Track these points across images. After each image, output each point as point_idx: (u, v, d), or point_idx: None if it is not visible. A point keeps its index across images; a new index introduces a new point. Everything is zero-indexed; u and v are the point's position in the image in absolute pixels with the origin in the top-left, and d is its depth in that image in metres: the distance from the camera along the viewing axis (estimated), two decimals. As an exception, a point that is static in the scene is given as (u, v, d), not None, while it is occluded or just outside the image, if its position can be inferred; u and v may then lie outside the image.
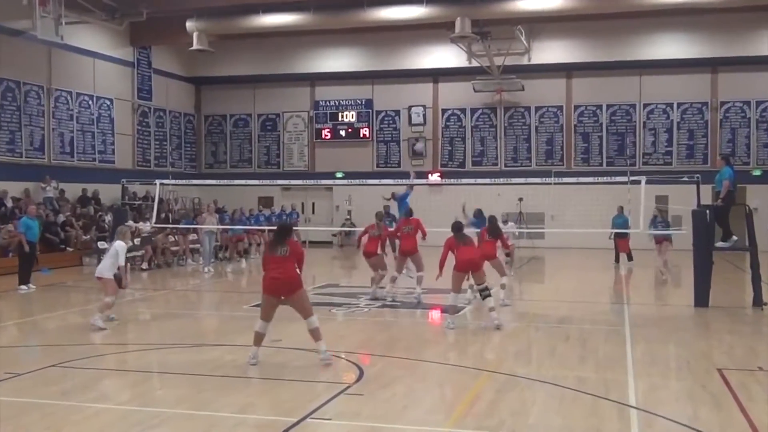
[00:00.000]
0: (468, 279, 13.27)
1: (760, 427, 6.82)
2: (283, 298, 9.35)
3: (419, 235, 15.26)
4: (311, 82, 33.12)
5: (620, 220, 22.12)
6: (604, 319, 13.37)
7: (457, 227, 12.53)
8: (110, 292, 11.96)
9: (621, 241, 22.31)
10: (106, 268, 12.05)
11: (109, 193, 26.51)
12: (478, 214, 17.53)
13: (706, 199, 15.17)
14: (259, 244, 25.86)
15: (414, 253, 15.03)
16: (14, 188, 23.30)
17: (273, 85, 33.37)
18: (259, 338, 9.40)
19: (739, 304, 15.17)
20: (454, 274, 12.26)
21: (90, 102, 27.35)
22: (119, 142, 28.83)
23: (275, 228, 10.02)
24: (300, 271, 9.42)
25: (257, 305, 13.86)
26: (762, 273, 14.52)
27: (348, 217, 31.43)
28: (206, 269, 21.19)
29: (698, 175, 15.77)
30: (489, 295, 12.09)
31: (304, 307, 9.43)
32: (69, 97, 26.38)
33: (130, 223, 20.39)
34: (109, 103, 28.28)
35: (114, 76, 28.74)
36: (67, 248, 22.56)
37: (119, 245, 12.10)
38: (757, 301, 14.16)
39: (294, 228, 9.85)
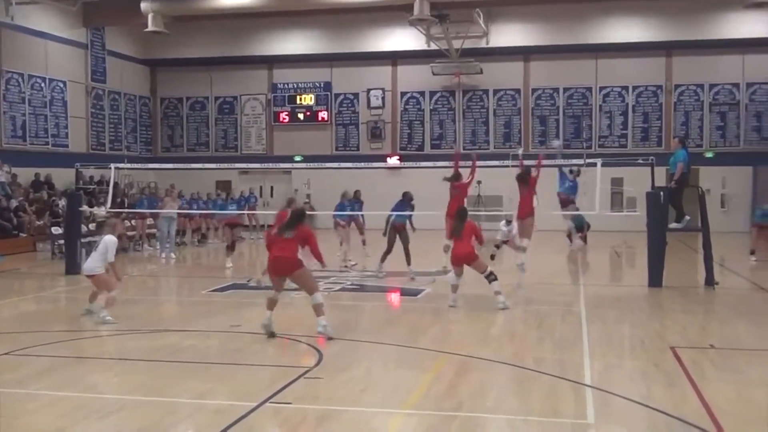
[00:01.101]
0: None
1: (711, 404, 6.98)
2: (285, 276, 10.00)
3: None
4: (269, 64, 32.84)
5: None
6: (560, 300, 13.52)
7: (460, 215, 12.37)
8: (112, 286, 11.18)
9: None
10: (96, 265, 11.10)
11: (62, 177, 26.04)
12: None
13: (661, 181, 15.39)
14: (217, 229, 25.66)
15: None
16: (-36, 173, 22.78)
17: (230, 68, 33.02)
18: (271, 304, 10.09)
19: (692, 284, 15.48)
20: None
21: (42, 84, 26.81)
22: (73, 126, 28.33)
23: (290, 213, 10.46)
24: (316, 250, 10.06)
25: (216, 290, 13.83)
26: (714, 253, 14.81)
27: (307, 200, 31.33)
28: (164, 255, 20.84)
29: (652, 157, 15.97)
30: (495, 279, 12.17)
31: (307, 284, 10.06)
32: (21, 80, 25.82)
33: (85, 207, 20.10)
34: (62, 85, 27.75)
35: (67, 58, 28.18)
36: (20, 234, 22.16)
37: (109, 240, 11.14)
38: (709, 281, 14.45)
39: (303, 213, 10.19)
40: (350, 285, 15.14)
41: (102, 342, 10.18)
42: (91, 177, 26.77)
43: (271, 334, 9.90)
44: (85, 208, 20.05)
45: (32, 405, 7.06)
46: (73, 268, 16.78)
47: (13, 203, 22.88)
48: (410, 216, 16.44)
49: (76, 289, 15.24)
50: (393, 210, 16.16)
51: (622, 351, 9.54)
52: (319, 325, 9.81)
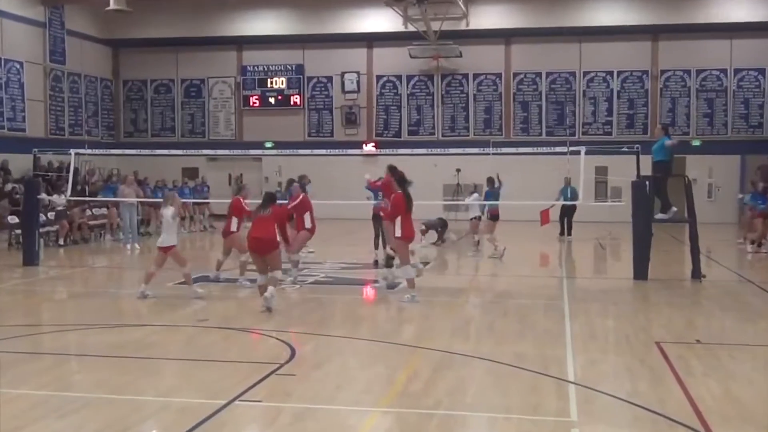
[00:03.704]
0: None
1: (697, 401, 7.06)
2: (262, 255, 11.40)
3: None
4: (238, 45, 32.61)
5: (570, 191, 22.03)
6: (543, 293, 13.59)
7: (402, 179, 12.51)
8: (185, 260, 12.77)
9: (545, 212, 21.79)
10: (173, 238, 12.49)
11: (19, 163, 25.74)
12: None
13: (646, 170, 15.50)
14: (183, 218, 25.48)
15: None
16: None
17: (197, 49, 32.74)
18: (262, 290, 11.37)
19: (678, 277, 15.63)
20: (399, 243, 12.30)
21: (-3, 65, 26.44)
22: (30, 109, 27.95)
23: (264, 194, 12.57)
24: (284, 232, 12.43)
25: (182, 282, 13.72)
26: (701, 245, 14.97)
27: (278, 189, 31.21)
28: (128, 246, 20.60)
29: (638, 145, 16.07)
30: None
31: (276, 263, 11.58)
32: (-26, 60, 25.46)
33: (43, 195, 19.88)
34: (18, 66, 27.36)
35: (24, 38, 27.77)
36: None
37: (173, 212, 12.55)
38: (696, 274, 14.61)
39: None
40: (324, 277, 15.12)
41: (62, 337, 10.09)
42: (50, 163, 26.45)
43: (268, 309, 11.11)
44: (43, 196, 19.84)
45: (-12, 404, 6.98)
46: (30, 259, 16.60)
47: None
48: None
49: (33, 281, 15.10)
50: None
51: (607, 346, 9.60)
52: (267, 293, 11.09)
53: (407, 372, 8.15)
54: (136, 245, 20.65)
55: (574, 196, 21.36)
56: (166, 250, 12.44)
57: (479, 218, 19.04)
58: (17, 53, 27.30)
